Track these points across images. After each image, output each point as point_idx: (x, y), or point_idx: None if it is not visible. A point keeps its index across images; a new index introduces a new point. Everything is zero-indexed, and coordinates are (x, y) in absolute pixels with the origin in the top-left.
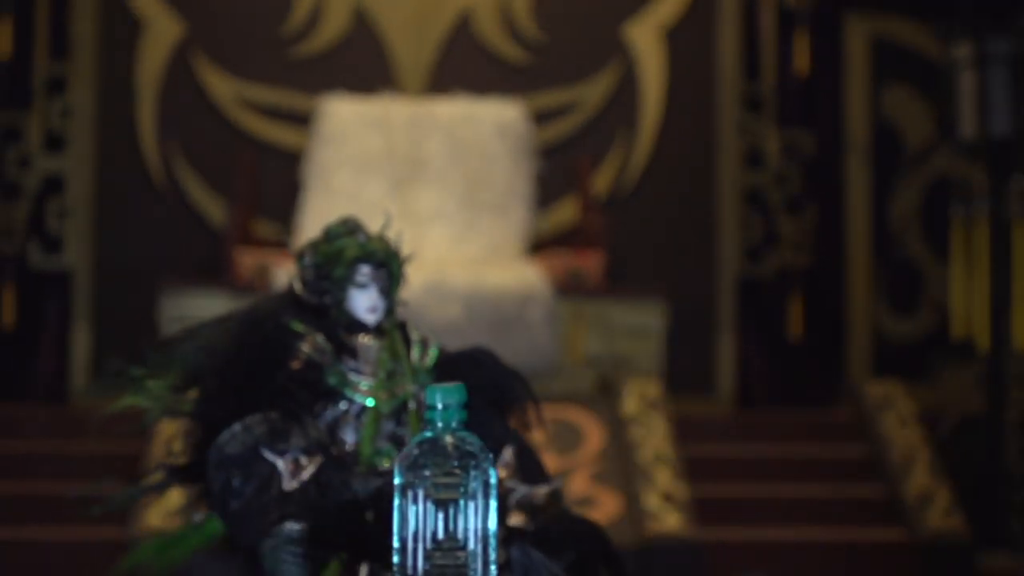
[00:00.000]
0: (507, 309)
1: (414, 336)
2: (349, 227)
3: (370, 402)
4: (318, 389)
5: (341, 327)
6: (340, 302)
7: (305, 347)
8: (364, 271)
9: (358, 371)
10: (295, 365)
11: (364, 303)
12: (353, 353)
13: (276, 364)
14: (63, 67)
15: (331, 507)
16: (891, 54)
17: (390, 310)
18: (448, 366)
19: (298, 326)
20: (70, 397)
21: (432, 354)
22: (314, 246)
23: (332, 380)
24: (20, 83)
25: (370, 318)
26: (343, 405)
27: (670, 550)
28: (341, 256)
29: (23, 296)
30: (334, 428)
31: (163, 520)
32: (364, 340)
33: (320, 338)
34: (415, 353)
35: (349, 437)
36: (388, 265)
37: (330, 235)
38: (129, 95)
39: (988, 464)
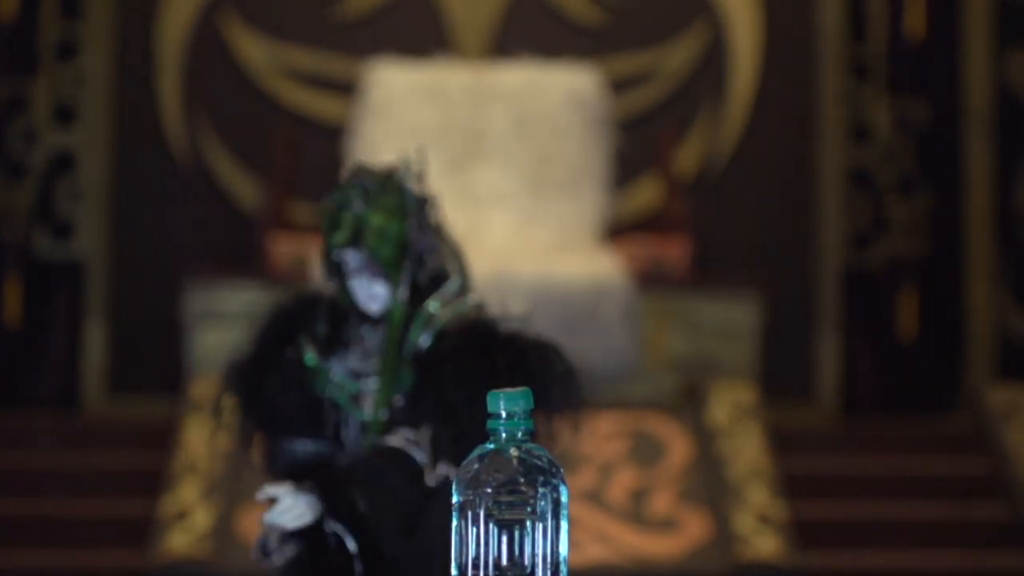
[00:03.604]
0: (579, 304)
1: (422, 314)
2: (346, 194)
3: (342, 400)
4: (306, 386)
5: (353, 315)
6: (343, 288)
7: (303, 336)
8: (350, 258)
9: (358, 370)
10: (289, 353)
11: (360, 291)
12: (347, 346)
13: (281, 346)
14: (75, 28)
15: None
16: (1016, 14)
17: (418, 289)
18: (453, 351)
19: (319, 308)
20: (82, 404)
21: (433, 332)
22: (321, 213)
23: (312, 383)
24: (26, 46)
25: (372, 307)
26: (330, 412)
27: None
28: (327, 240)
29: (29, 290)
30: (339, 432)
31: (190, 545)
32: (369, 332)
33: (322, 327)
34: (411, 339)
35: (353, 444)
36: (378, 252)
37: (332, 203)
38: (150, 60)
39: None
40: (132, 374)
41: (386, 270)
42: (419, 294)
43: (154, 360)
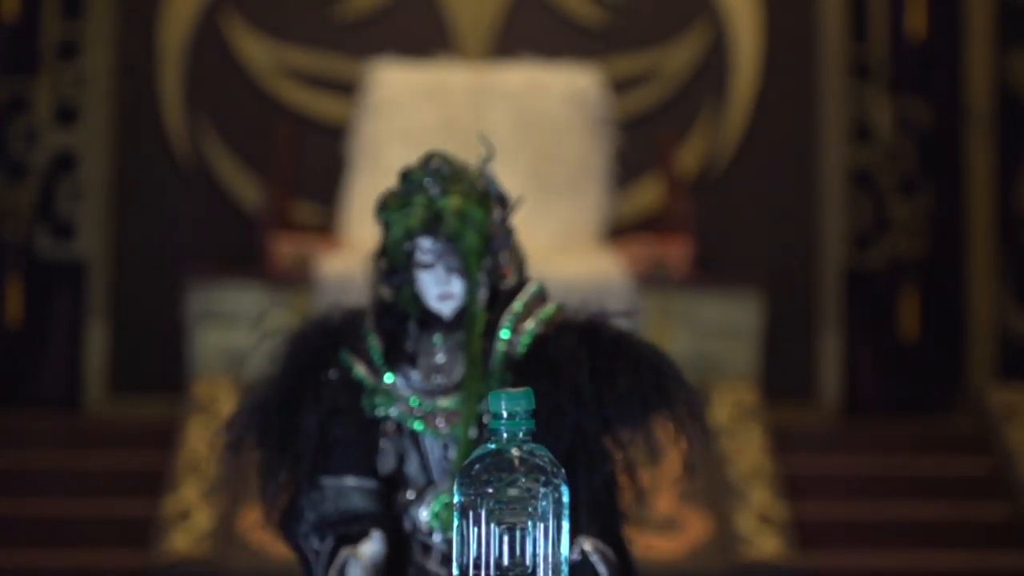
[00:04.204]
0: (581, 304)
1: (507, 317)
2: (422, 175)
3: (417, 426)
4: (356, 412)
5: (413, 320)
6: (407, 285)
7: (347, 355)
8: (425, 247)
9: (427, 386)
10: (332, 375)
11: (432, 289)
12: (411, 360)
13: (317, 368)
14: (76, 28)
15: None
16: (1017, 13)
17: (496, 288)
18: (548, 357)
19: (366, 322)
20: (84, 404)
21: (523, 341)
22: (383, 203)
23: (371, 404)
24: (28, 46)
25: (443, 307)
26: (392, 438)
27: None
28: (395, 226)
29: (30, 290)
30: (402, 462)
31: (191, 545)
32: (441, 340)
33: (374, 340)
34: (499, 345)
35: (418, 477)
36: (460, 237)
37: (399, 190)
38: (151, 61)
39: None
40: (133, 374)
41: (467, 262)
42: (493, 299)
43: (155, 360)
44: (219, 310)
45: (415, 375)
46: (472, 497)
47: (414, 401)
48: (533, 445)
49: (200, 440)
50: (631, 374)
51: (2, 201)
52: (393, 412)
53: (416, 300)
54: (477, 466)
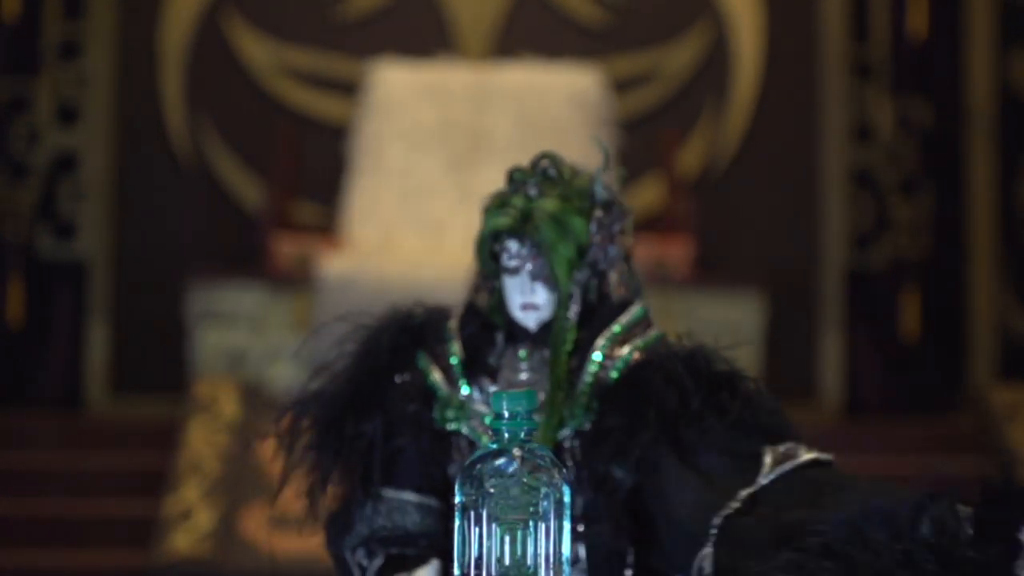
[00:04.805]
0: None
1: (603, 339)
2: (526, 175)
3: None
4: (425, 421)
5: (500, 332)
6: (495, 292)
7: (424, 358)
8: (511, 250)
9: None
10: (404, 379)
11: (516, 297)
12: (492, 374)
13: (393, 371)
14: (77, 28)
15: None
16: (1018, 14)
17: (591, 302)
18: (640, 385)
19: (450, 326)
20: (85, 404)
21: (617, 366)
22: (488, 202)
23: (442, 416)
24: (28, 46)
25: (526, 318)
26: (464, 453)
27: None
28: (484, 225)
29: (31, 290)
30: None
31: (192, 545)
32: (526, 354)
33: (455, 347)
34: (591, 367)
35: None
36: (548, 243)
37: (504, 190)
38: (152, 61)
39: None
40: (135, 374)
41: (555, 271)
42: (588, 316)
43: (157, 360)
44: (220, 310)
45: (493, 390)
46: (473, 497)
47: (488, 419)
48: (534, 445)
49: (201, 440)
50: (727, 413)
51: (3, 201)
52: (464, 428)
53: (501, 309)
54: (479, 466)
